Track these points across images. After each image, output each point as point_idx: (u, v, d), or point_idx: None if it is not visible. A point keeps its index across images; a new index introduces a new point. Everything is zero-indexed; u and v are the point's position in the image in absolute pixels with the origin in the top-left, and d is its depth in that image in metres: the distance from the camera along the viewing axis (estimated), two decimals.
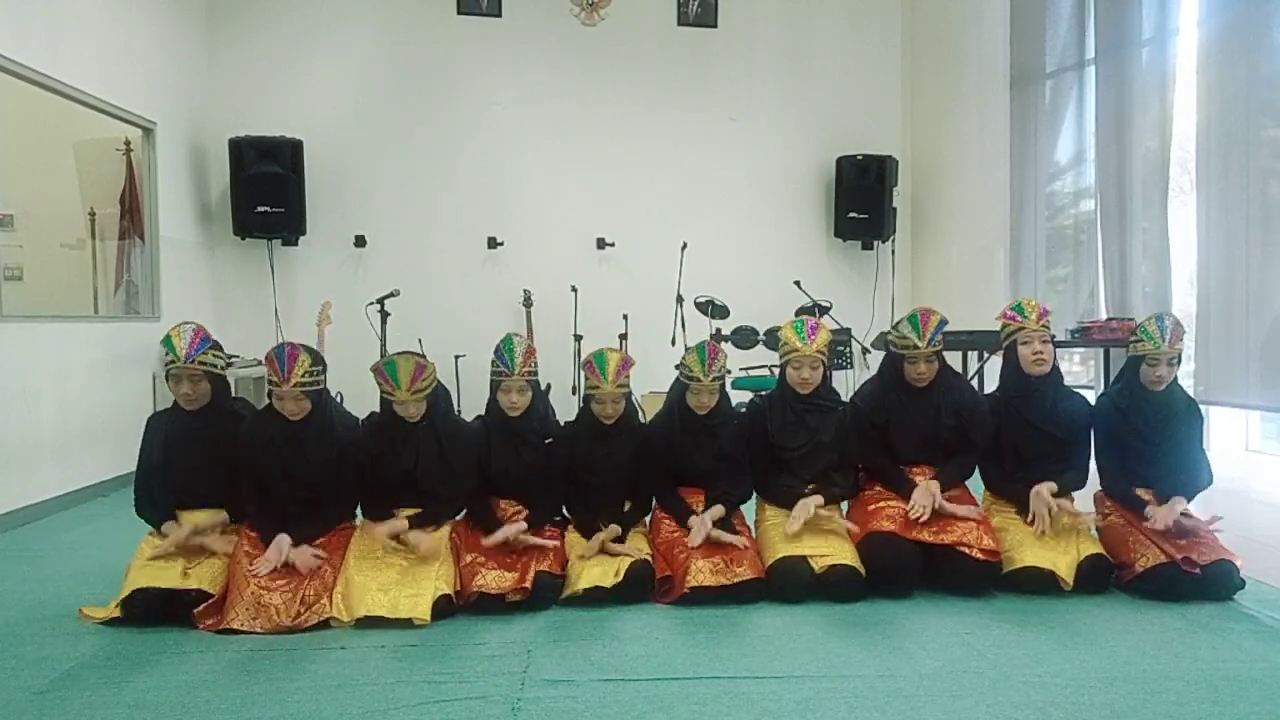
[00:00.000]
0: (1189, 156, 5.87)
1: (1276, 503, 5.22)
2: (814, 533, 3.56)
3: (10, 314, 5.01)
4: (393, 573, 3.30)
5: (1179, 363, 3.66)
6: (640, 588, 3.44)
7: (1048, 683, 2.73)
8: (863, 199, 7.86)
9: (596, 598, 3.38)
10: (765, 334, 6.82)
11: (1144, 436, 3.63)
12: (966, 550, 3.48)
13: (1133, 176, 6.26)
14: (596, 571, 3.42)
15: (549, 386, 3.52)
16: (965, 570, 3.49)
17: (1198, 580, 3.41)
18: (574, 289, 7.16)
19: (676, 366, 3.76)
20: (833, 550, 3.49)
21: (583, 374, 3.70)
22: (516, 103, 7.82)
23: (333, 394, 3.69)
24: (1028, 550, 3.54)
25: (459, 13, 7.78)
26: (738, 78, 8.13)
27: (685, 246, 7.10)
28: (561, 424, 3.96)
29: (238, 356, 6.66)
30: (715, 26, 8.09)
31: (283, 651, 2.98)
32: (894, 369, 3.76)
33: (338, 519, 3.51)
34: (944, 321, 3.66)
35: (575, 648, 3.03)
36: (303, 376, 3.30)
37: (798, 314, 6.76)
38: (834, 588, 3.44)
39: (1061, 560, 3.52)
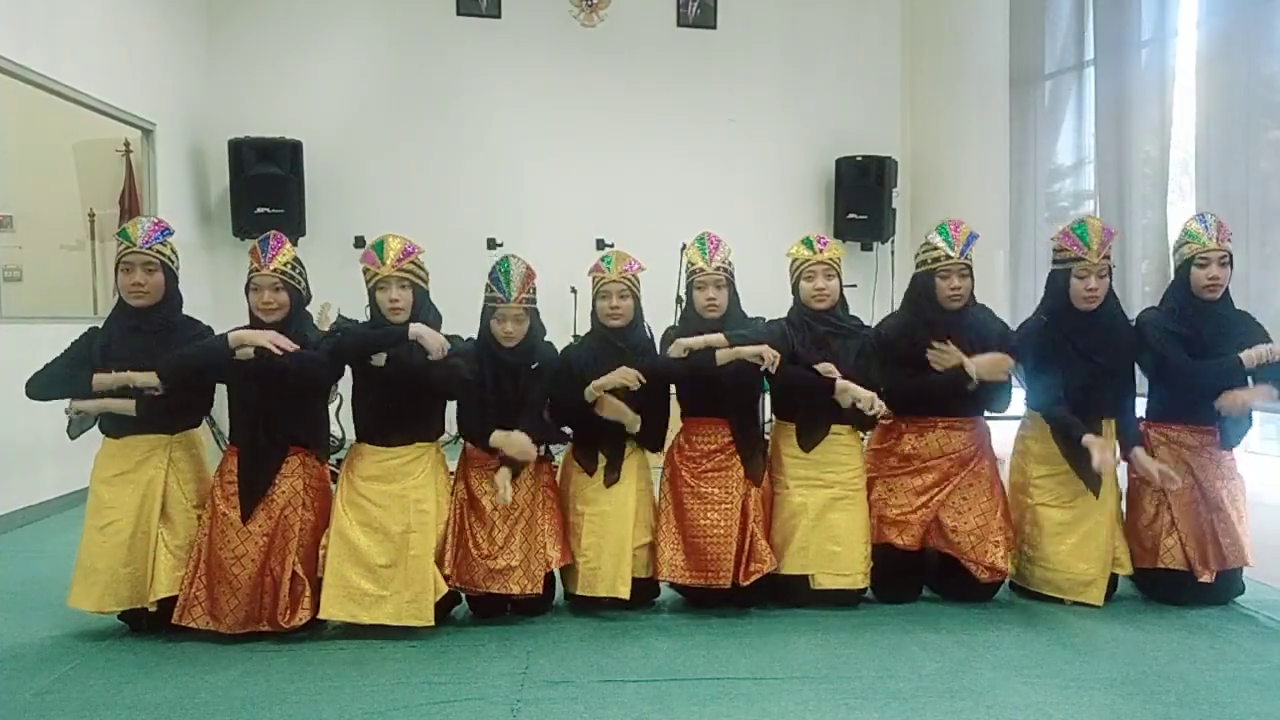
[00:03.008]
0: (1188, 157, 5.87)
1: (1276, 503, 5.21)
2: (822, 545, 3.39)
3: (10, 315, 5.01)
4: (385, 573, 3.11)
5: (1231, 264, 3.32)
6: (644, 594, 3.42)
7: (1047, 683, 2.74)
8: (862, 200, 7.84)
9: (595, 603, 3.36)
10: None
11: (1207, 354, 3.30)
12: (972, 567, 3.42)
13: (1132, 177, 6.26)
14: (609, 583, 3.31)
15: None
16: (969, 585, 3.47)
17: (1202, 586, 3.39)
18: (573, 290, 7.14)
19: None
20: (838, 568, 3.38)
21: (590, 278, 3.55)
22: (516, 103, 7.82)
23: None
24: (1058, 565, 3.42)
25: (458, 14, 7.77)
26: (737, 79, 8.12)
27: (684, 247, 7.09)
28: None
29: None
30: (714, 28, 8.08)
31: (282, 653, 2.98)
32: (923, 292, 3.44)
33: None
34: (975, 235, 3.42)
35: (574, 649, 3.03)
36: (284, 265, 3.11)
37: None
38: (833, 600, 3.40)
39: (1091, 570, 3.39)
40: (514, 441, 3.20)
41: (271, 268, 3.08)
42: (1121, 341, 3.44)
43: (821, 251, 3.47)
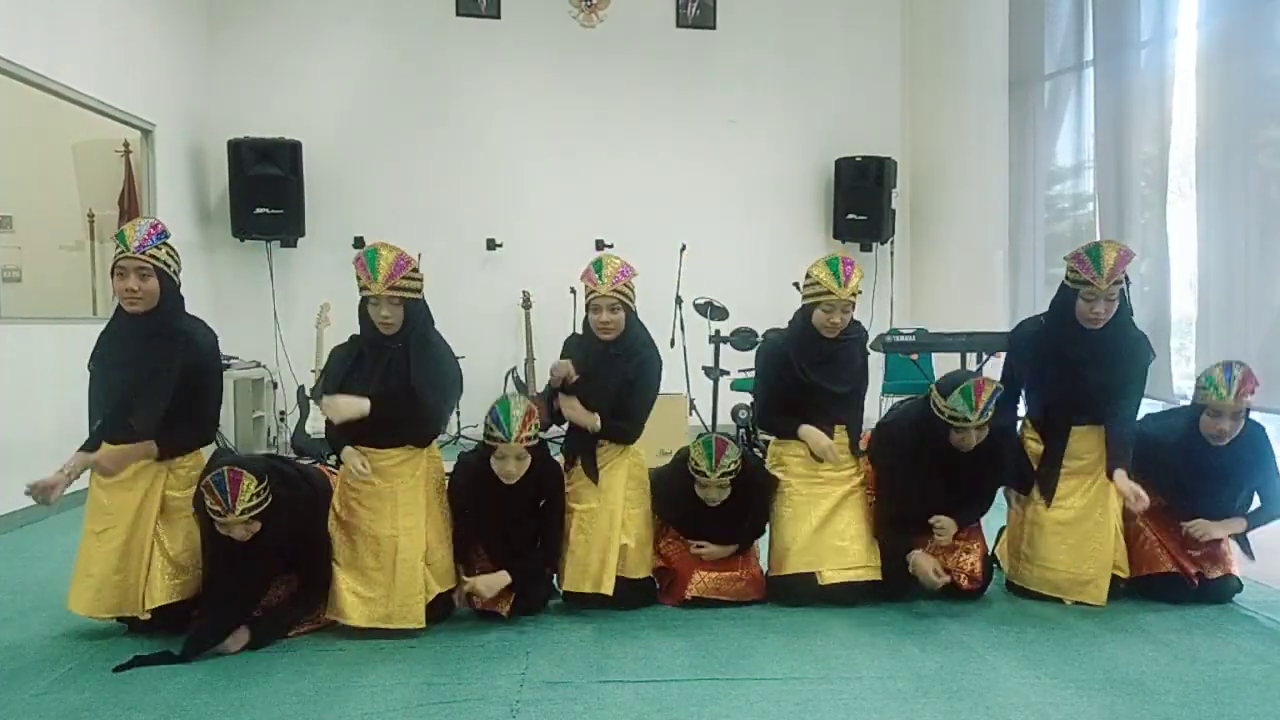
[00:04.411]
0: (1188, 158, 5.86)
1: None
2: (828, 541, 3.43)
3: (9, 315, 5.01)
4: (380, 577, 3.12)
5: (1246, 416, 3.29)
6: (641, 595, 3.44)
7: (1046, 684, 2.73)
8: (862, 200, 7.86)
9: (592, 603, 3.36)
10: (763, 335, 6.79)
11: (1205, 484, 3.39)
12: (954, 578, 3.45)
13: (1132, 178, 6.25)
14: (595, 578, 3.34)
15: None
16: (953, 594, 3.49)
17: (1198, 587, 3.43)
18: (573, 290, 7.15)
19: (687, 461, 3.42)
20: (845, 562, 3.41)
21: (582, 285, 3.47)
22: (516, 104, 7.82)
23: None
24: (1057, 565, 3.44)
25: (458, 14, 7.78)
26: (736, 79, 8.12)
27: (684, 248, 7.10)
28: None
29: (235, 358, 6.65)
30: (714, 28, 8.09)
31: (281, 654, 2.98)
32: (936, 430, 3.33)
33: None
34: (999, 390, 3.27)
35: (574, 649, 3.03)
36: (249, 501, 2.90)
37: None
38: (838, 598, 3.40)
39: (1091, 568, 3.41)
40: (489, 585, 3.21)
41: (238, 510, 2.89)
42: (1121, 359, 3.42)
43: (846, 284, 3.40)
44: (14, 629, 3.25)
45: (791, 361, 3.49)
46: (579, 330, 3.59)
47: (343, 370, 3.18)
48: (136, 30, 6.32)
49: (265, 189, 7.08)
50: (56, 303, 6.29)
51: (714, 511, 3.43)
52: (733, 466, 3.33)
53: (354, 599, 3.13)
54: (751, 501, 3.49)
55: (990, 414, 3.24)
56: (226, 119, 7.30)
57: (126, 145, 6.57)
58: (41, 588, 3.72)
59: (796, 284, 6.82)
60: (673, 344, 6.60)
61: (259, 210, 7.08)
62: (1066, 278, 3.38)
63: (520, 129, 7.84)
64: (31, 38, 5.10)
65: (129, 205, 6.60)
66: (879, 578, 3.42)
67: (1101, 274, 3.26)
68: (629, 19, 7.96)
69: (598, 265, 3.41)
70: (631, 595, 3.39)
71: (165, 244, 3.07)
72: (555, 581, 3.47)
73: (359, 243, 7.52)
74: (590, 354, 3.43)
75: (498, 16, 7.82)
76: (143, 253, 2.99)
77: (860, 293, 3.50)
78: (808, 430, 3.46)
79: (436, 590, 3.19)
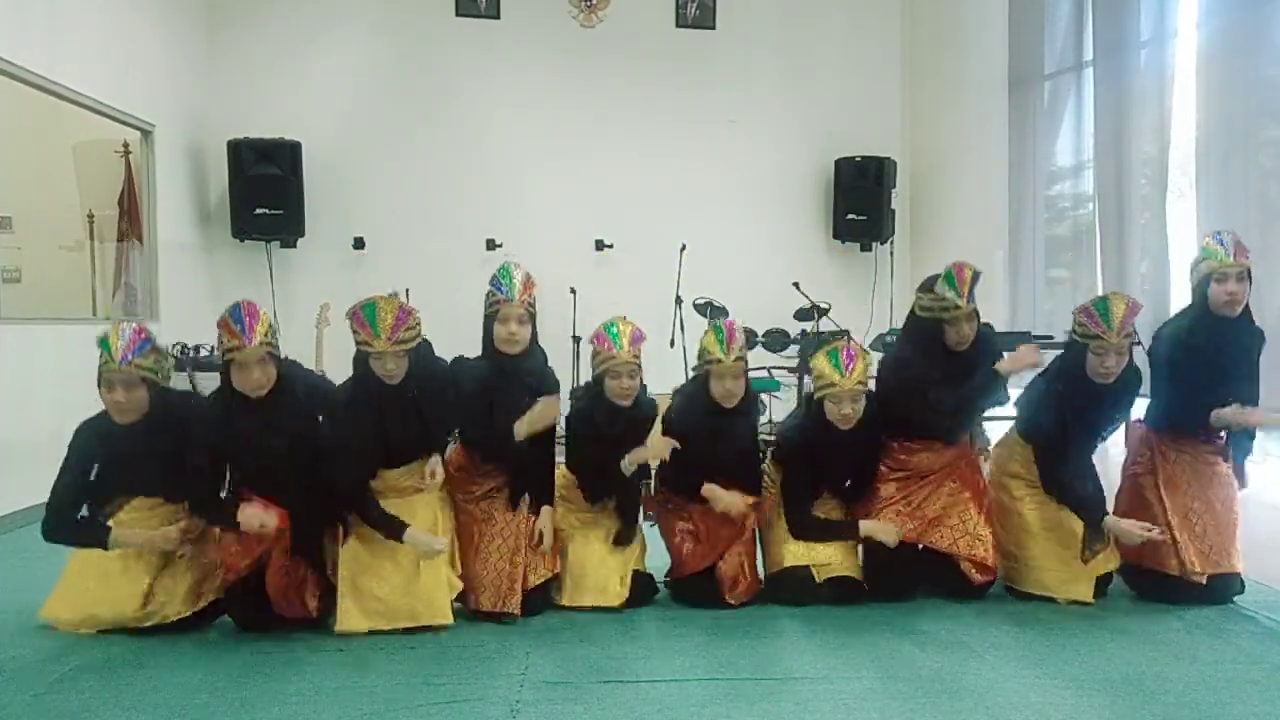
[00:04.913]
0: (1188, 158, 5.87)
1: (1276, 503, 5.21)
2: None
3: (8, 316, 5.01)
4: (398, 578, 3.13)
5: (1250, 280, 3.29)
6: (642, 592, 3.45)
7: (1046, 685, 2.73)
8: (861, 200, 7.86)
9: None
10: (764, 335, 6.80)
11: (1220, 370, 3.35)
12: (965, 567, 3.45)
13: (1131, 178, 6.26)
14: (596, 590, 3.37)
15: None
16: (962, 586, 3.49)
17: (1198, 587, 3.41)
18: (573, 290, 7.15)
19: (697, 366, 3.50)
20: (837, 560, 3.44)
21: (592, 348, 3.48)
22: (515, 104, 7.82)
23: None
24: (1046, 564, 3.45)
25: (457, 14, 7.78)
26: (736, 79, 8.12)
27: (684, 248, 7.10)
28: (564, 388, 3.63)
29: None
30: (714, 28, 8.09)
31: (281, 654, 2.98)
32: (928, 336, 3.40)
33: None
34: (979, 274, 3.35)
35: (574, 649, 3.03)
36: (265, 335, 2.89)
37: (796, 314, 6.76)
38: (835, 597, 3.42)
39: (1078, 566, 3.42)
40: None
41: (256, 342, 2.87)
42: (1127, 404, 3.50)
43: (849, 375, 3.32)
44: (14, 628, 3.25)
45: (813, 455, 3.48)
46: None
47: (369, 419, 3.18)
48: (136, 30, 6.32)
49: (265, 189, 7.08)
50: (56, 303, 6.29)
51: (726, 431, 3.41)
52: (743, 352, 3.37)
53: (379, 604, 3.11)
54: (752, 418, 3.58)
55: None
56: (226, 119, 7.30)
57: (126, 145, 6.57)
58: (41, 588, 3.70)
59: (796, 284, 6.88)
60: (673, 344, 6.61)
61: (259, 210, 7.08)
62: (1074, 333, 3.33)
63: (520, 129, 7.83)
64: (31, 38, 5.10)
65: (129, 205, 6.61)
66: (859, 576, 3.46)
67: (1112, 327, 3.21)
68: (629, 19, 7.96)
69: (612, 332, 3.40)
70: (634, 592, 3.40)
71: (151, 350, 3.03)
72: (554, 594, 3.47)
73: (359, 243, 7.53)
74: (615, 422, 3.41)
75: (497, 17, 7.81)
76: (126, 364, 2.96)
77: (871, 378, 3.43)
78: (870, 527, 3.47)
79: (459, 588, 3.22)
